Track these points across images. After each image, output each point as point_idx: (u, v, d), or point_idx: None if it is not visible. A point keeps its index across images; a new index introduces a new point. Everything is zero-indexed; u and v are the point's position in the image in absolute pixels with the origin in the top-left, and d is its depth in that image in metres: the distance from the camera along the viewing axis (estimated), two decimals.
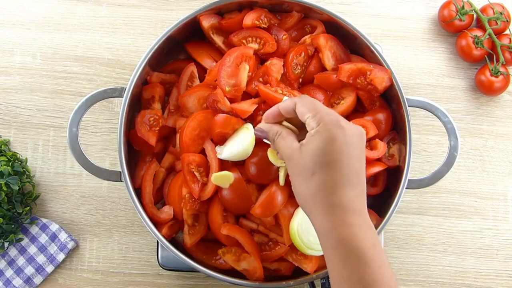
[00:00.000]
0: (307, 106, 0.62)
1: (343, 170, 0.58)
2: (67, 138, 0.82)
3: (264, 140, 0.72)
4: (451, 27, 1.00)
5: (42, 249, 0.93)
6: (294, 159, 0.60)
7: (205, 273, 0.81)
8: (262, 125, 0.70)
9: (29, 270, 0.93)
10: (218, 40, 0.90)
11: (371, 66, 0.86)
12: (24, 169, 0.93)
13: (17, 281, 0.92)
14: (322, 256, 0.83)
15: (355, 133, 0.61)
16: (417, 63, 1.02)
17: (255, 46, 0.87)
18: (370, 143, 0.87)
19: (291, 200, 0.82)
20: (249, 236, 0.83)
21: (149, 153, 0.90)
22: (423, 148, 0.99)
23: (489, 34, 0.98)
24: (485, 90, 0.99)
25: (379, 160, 0.86)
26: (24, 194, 0.93)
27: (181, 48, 0.94)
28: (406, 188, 0.83)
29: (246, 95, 0.86)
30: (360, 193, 0.59)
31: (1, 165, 0.90)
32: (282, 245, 0.84)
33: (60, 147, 0.97)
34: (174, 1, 1.02)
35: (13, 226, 0.91)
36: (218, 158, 0.82)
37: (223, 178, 0.81)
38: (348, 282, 0.54)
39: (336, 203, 0.57)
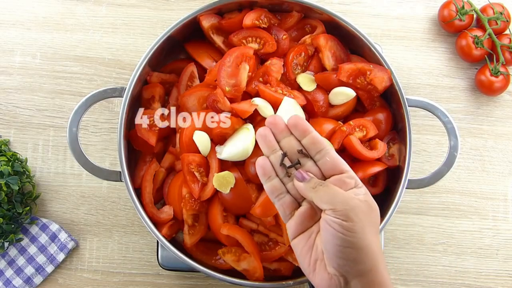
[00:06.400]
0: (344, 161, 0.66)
1: None
2: (67, 138, 0.82)
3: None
4: (451, 27, 1.00)
5: (42, 249, 0.93)
6: (365, 211, 0.62)
7: (205, 273, 0.81)
8: (309, 174, 0.65)
9: (29, 270, 0.93)
10: (218, 40, 0.90)
11: (371, 66, 0.86)
12: (24, 169, 0.93)
13: (17, 281, 0.92)
14: None
15: None
16: (417, 63, 1.02)
17: (255, 46, 0.87)
18: (370, 143, 0.87)
19: None
20: (249, 236, 0.83)
21: (149, 153, 0.90)
22: (423, 148, 0.99)
23: (489, 34, 0.98)
24: (485, 90, 0.99)
25: (379, 160, 0.86)
26: (24, 194, 0.93)
27: (181, 48, 0.94)
28: (406, 188, 0.83)
29: (246, 95, 0.86)
30: None
31: (1, 165, 0.90)
32: (282, 245, 0.84)
33: (60, 147, 0.97)
34: (174, 1, 1.02)
35: (13, 226, 0.91)
36: (218, 158, 0.82)
37: (224, 180, 0.81)
38: None
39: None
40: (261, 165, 0.66)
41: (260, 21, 0.88)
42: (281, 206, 0.66)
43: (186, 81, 0.91)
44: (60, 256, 0.93)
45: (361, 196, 0.62)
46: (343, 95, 0.86)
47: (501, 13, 0.99)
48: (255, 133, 0.69)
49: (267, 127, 0.68)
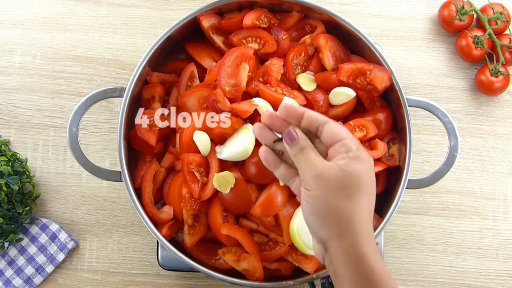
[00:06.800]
0: (344, 130, 0.63)
1: (373, 201, 0.63)
2: (67, 138, 0.82)
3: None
4: (451, 27, 1.00)
5: (42, 249, 0.93)
6: (331, 176, 0.60)
7: (205, 273, 0.81)
8: (296, 131, 0.64)
9: (29, 270, 0.93)
10: (218, 40, 0.90)
11: (371, 66, 0.86)
12: (24, 169, 0.93)
13: (17, 281, 0.92)
14: None
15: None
16: (417, 63, 1.02)
17: (255, 46, 0.87)
18: (370, 143, 0.87)
19: (291, 200, 0.82)
20: (249, 236, 0.83)
21: (149, 153, 0.90)
22: (423, 148, 0.99)
23: (489, 34, 0.98)
24: (485, 90, 0.99)
25: (379, 160, 0.86)
26: (24, 194, 0.93)
27: (181, 48, 0.94)
28: (406, 188, 0.83)
29: (246, 95, 0.86)
30: None
31: (1, 165, 0.90)
32: (282, 245, 0.84)
33: (60, 147, 0.97)
34: (174, 1, 1.02)
35: (13, 226, 0.91)
36: (218, 158, 0.82)
37: (224, 180, 0.81)
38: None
39: (370, 231, 0.62)
40: (263, 157, 0.66)
41: (260, 21, 0.88)
42: (295, 190, 0.67)
43: (186, 81, 0.91)
44: (60, 256, 0.93)
45: (339, 161, 0.60)
46: (343, 95, 0.87)
47: (501, 13, 0.99)
48: None
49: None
